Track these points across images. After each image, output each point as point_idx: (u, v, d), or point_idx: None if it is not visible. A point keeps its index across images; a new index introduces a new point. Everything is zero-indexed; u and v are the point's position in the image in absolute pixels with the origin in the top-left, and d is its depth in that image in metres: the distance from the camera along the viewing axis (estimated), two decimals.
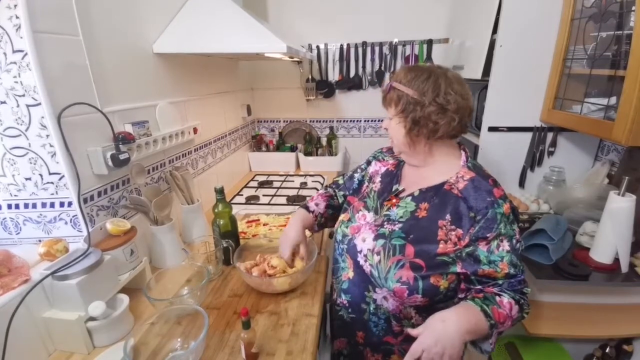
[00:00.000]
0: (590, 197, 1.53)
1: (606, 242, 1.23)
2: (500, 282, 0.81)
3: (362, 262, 0.91)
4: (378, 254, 0.87)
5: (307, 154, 2.46)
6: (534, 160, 1.74)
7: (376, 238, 0.90)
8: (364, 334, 0.96)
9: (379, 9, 2.27)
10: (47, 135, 0.87)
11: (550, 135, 1.69)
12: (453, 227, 0.82)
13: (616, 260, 1.23)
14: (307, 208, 1.15)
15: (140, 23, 1.22)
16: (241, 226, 1.44)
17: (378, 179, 1.02)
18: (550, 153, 1.73)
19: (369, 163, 1.11)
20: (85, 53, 0.96)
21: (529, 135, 1.70)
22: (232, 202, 1.81)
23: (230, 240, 1.16)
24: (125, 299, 0.91)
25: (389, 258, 0.85)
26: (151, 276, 1.00)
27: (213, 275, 1.13)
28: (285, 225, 1.42)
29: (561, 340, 1.39)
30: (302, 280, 1.07)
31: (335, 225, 1.05)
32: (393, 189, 0.96)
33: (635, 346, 1.32)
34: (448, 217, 0.83)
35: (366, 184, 1.05)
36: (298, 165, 2.44)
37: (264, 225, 1.47)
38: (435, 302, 0.84)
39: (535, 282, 1.22)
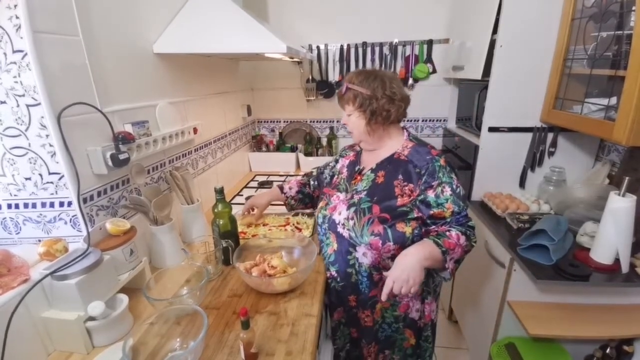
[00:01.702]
0: (590, 198, 1.53)
1: (606, 243, 1.23)
2: (448, 220, 1.03)
3: (341, 230, 1.11)
4: (352, 219, 1.08)
5: (308, 154, 2.47)
6: (534, 160, 1.74)
7: (348, 208, 1.11)
8: (355, 296, 1.15)
9: (379, 10, 2.27)
10: (47, 135, 0.87)
11: (550, 136, 1.69)
12: (405, 183, 1.05)
13: (616, 260, 1.23)
14: (281, 188, 1.43)
15: (140, 23, 1.22)
16: (241, 226, 1.43)
17: (344, 169, 1.24)
18: (551, 153, 1.72)
19: (336, 161, 1.33)
20: (85, 53, 0.96)
21: (529, 136, 1.70)
22: (232, 202, 1.81)
23: (229, 240, 1.16)
24: (124, 298, 0.91)
25: (361, 219, 1.06)
26: (151, 276, 1.00)
27: (212, 275, 1.13)
28: (284, 226, 1.44)
29: (561, 341, 1.39)
30: (301, 280, 1.07)
31: (316, 213, 1.26)
32: (356, 170, 1.18)
33: (635, 347, 1.31)
34: (400, 177, 1.06)
35: (336, 176, 1.26)
36: (298, 166, 2.44)
37: (264, 225, 1.47)
38: (406, 248, 1.01)
39: (536, 283, 1.22)
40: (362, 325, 1.18)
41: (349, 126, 1.13)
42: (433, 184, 1.02)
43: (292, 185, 1.44)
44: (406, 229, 1.03)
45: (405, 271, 0.94)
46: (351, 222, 1.08)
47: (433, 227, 1.05)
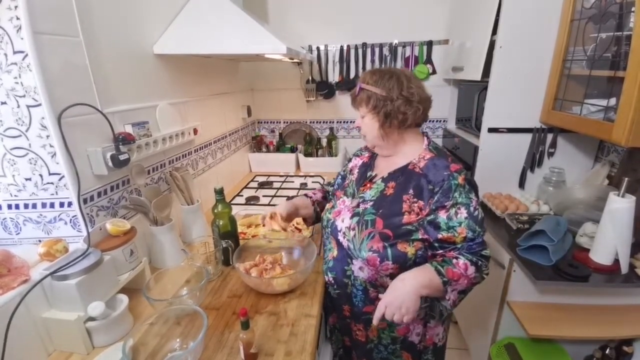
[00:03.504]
0: (590, 198, 1.53)
1: (606, 243, 1.23)
2: (459, 246, 0.92)
3: (341, 239, 1.03)
4: (353, 229, 1.00)
5: (307, 154, 2.47)
6: (533, 161, 1.74)
7: (352, 217, 1.02)
8: (350, 307, 1.09)
9: (379, 10, 2.27)
10: (48, 136, 0.87)
11: (550, 136, 1.69)
12: (415, 199, 0.95)
13: (616, 261, 1.23)
14: (306, 195, 1.33)
15: (141, 24, 1.22)
16: (241, 227, 1.43)
17: (356, 170, 1.16)
18: (550, 154, 1.73)
19: (349, 160, 1.24)
20: (85, 54, 0.96)
21: (528, 136, 1.70)
22: (232, 203, 1.81)
23: (229, 241, 1.16)
24: (124, 299, 0.91)
25: (362, 231, 0.98)
26: (150, 276, 1.00)
27: (212, 276, 1.13)
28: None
29: (561, 341, 1.39)
30: (301, 280, 1.07)
31: (322, 214, 1.18)
32: (367, 175, 1.09)
33: (635, 347, 1.32)
34: (411, 191, 0.96)
35: (348, 177, 1.17)
36: (298, 166, 2.44)
37: (263, 225, 1.46)
38: (406, 269, 0.93)
39: (536, 283, 1.22)
40: (354, 338, 1.13)
41: (362, 129, 1.05)
42: (446, 204, 0.90)
43: (316, 192, 1.35)
44: (409, 249, 0.94)
45: (398, 298, 0.86)
46: (352, 233, 1.00)
47: (440, 251, 0.94)
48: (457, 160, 0.99)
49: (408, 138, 1.03)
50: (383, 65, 2.37)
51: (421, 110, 0.98)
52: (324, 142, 2.58)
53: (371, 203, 1.01)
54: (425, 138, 1.05)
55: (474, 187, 0.95)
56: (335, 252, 1.07)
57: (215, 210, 1.16)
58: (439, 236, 0.92)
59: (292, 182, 2.18)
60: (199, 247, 1.20)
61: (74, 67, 0.93)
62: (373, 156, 1.15)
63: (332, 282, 1.09)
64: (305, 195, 1.34)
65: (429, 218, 0.92)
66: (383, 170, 1.06)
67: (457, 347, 2.03)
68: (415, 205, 0.94)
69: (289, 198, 1.79)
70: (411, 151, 1.02)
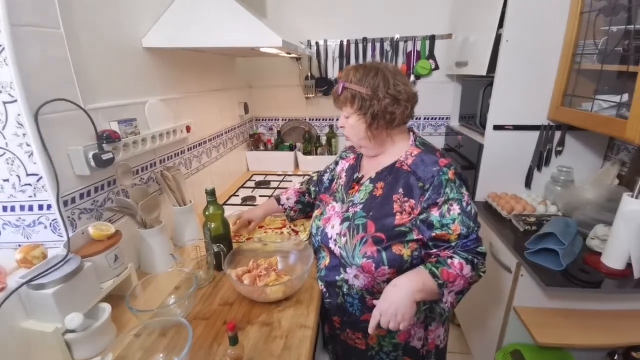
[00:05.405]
0: (599, 198, 1.47)
1: (619, 247, 1.17)
2: (453, 244, 0.88)
3: (332, 246, 0.99)
4: (344, 235, 0.96)
5: (306, 153, 2.41)
6: (541, 159, 1.68)
7: (342, 222, 0.98)
8: (339, 318, 1.05)
9: (379, 4, 2.21)
10: (24, 134, 0.81)
11: (558, 134, 1.63)
12: (405, 198, 0.91)
13: (628, 265, 1.17)
14: (278, 200, 1.34)
15: (128, 16, 1.16)
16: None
17: (343, 174, 1.11)
18: (558, 152, 1.67)
19: (336, 163, 1.20)
20: (66, 47, 0.90)
21: (535, 134, 1.65)
22: (228, 203, 1.76)
23: (221, 245, 1.10)
24: (107, 308, 0.86)
25: (354, 237, 0.93)
26: (136, 284, 0.94)
27: (203, 282, 1.07)
28: (281, 228, 1.38)
29: (569, 348, 1.34)
30: (297, 287, 1.01)
31: (310, 222, 1.14)
32: (354, 177, 1.05)
33: None
34: (400, 190, 0.92)
35: (335, 181, 1.13)
36: (297, 165, 2.39)
37: (259, 227, 1.41)
38: (403, 272, 0.88)
39: (546, 289, 1.16)
40: (351, 345, 1.07)
41: (347, 130, 1.00)
42: (438, 201, 0.87)
43: (290, 195, 1.34)
44: (404, 251, 0.90)
45: (393, 304, 0.82)
46: (343, 239, 0.95)
47: (434, 250, 0.90)
48: (445, 154, 0.95)
49: (395, 136, 0.99)
50: (384, 61, 2.30)
51: (409, 109, 0.94)
52: (324, 140, 2.52)
53: (360, 206, 0.97)
54: (412, 134, 1.02)
55: (464, 181, 0.91)
56: (327, 260, 1.03)
57: (207, 213, 1.11)
58: (433, 234, 0.88)
59: (291, 181, 2.12)
60: (191, 251, 1.14)
61: (53, 60, 0.86)
62: (359, 157, 1.11)
63: (324, 291, 1.06)
64: (278, 200, 1.34)
65: (421, 217, 0.89)
66: (370, 171, 1.02)
67: (460, 351, 1.97)
68: (406, 204, 0.91)
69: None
70: (397, 149, 0.99)
